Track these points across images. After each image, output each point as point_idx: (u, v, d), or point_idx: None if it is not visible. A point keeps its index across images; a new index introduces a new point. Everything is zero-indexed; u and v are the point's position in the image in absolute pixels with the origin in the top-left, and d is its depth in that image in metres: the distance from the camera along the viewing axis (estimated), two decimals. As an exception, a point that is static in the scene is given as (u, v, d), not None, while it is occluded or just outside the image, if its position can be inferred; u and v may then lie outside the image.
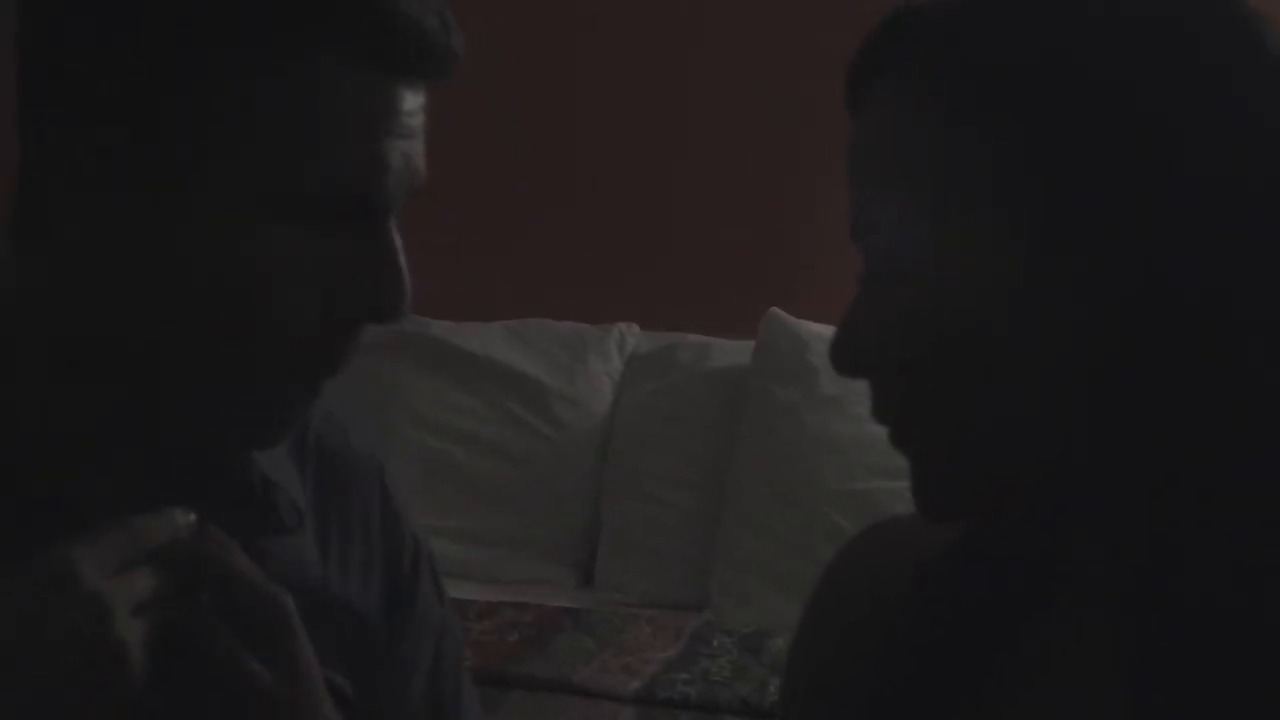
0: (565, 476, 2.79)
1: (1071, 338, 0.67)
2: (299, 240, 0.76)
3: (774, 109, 2.91)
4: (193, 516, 0.76)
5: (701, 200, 2.98)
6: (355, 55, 0.75)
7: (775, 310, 2.77)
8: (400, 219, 0.80)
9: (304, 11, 0.75)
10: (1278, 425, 0.66)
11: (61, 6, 0.76)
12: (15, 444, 0.80)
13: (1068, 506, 0.71)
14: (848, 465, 2.53)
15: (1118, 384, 0.67)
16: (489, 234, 3.01)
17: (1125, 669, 0.67)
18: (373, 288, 0.78)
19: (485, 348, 2.86)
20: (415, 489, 2.29)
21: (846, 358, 0.72)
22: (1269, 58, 0.69)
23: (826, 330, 2.61)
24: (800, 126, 2.88)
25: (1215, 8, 0.69)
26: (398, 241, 0.79)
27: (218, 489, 0.83)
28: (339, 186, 0.76)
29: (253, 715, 0.77)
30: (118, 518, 0.74)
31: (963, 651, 0.75)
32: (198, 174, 0.75)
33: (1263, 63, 0.69)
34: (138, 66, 0.74)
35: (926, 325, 0.69)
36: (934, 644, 0.76)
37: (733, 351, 2.82)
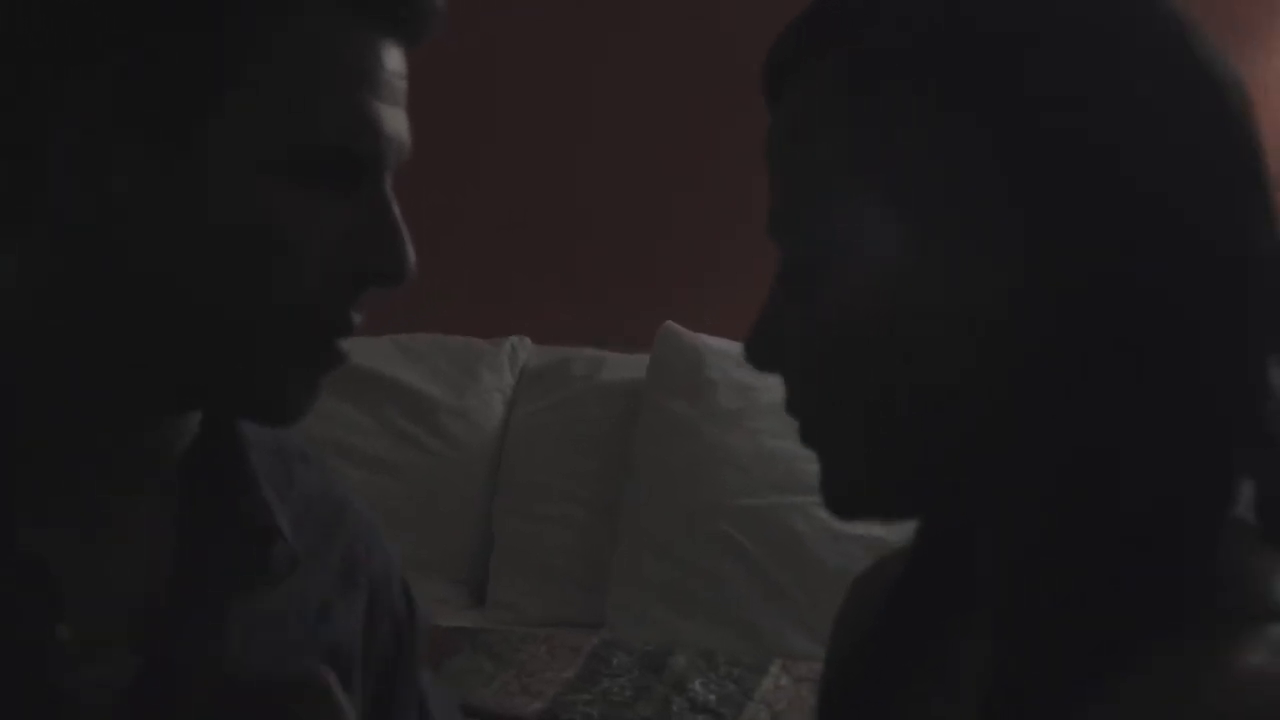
0: (456, 493, 2.74)
1: (989, 343, 0.66)
2: (301, 198, 0.75)
3: (675, 121, 2.90)
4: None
5: (595, 212, 2.95)
6: (346, 6, 0.76)
7: (671, 324, 2.75)
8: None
9: None
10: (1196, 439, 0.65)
11: None
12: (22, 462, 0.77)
13: (974, 512, 0.71)
14: (746, 481, 2.51)
15: (1031, 390, 0.66)
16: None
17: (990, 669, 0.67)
18: (376, 248, 0.78)
19: (374, 362, 2.81)
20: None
21: (762, 352, 0.71)
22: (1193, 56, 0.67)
23: (723, 344, 2.64)
24: (700, 139, 2.87)
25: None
26: (395, 205, 0.79)
27: (219, 529, 0.82)
28: (337, 143, 0.76)
29: None
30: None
31: (894, 656, 0.77)
32: (201, 130, 0.73)
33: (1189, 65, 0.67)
34: (138, 13, 0.73)
35: (842, 322, 0.68)
36: (873, 650, 0.78)
37: (627, 365, 2.80)
